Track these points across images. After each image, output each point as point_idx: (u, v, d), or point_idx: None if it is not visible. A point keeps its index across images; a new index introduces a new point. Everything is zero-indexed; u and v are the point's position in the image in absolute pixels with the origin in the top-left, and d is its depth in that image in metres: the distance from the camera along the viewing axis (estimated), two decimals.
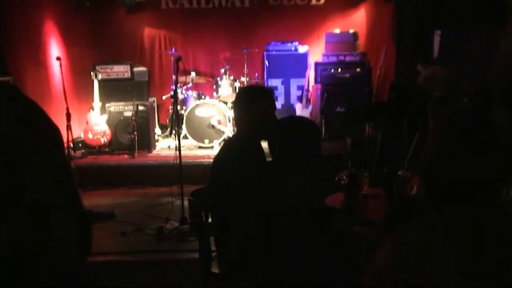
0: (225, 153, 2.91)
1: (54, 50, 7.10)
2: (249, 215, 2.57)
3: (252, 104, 2.83)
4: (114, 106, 7.11)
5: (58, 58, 5.98)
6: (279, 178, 2.56)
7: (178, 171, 4.97)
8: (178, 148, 5.03)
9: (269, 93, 3.02)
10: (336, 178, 3.08)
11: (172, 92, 6.23)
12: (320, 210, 2.66)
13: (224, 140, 7.26)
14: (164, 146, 7.59)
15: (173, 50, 7.71)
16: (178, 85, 7.68)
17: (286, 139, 2.54)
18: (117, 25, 8.41)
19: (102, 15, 8.18)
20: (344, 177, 2.98)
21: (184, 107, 7.56)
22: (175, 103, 5.24)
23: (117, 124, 7.03)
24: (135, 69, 7.88)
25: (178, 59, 5.29)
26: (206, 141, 7.26)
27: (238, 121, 2.96)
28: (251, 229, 2.57)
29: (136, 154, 6.86)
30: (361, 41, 8.24)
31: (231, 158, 2.82)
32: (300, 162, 2.56)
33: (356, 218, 2.82)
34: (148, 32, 8.63)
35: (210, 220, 2.98)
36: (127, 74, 7.72)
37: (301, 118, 3.11)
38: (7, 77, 5.46)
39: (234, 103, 3.08)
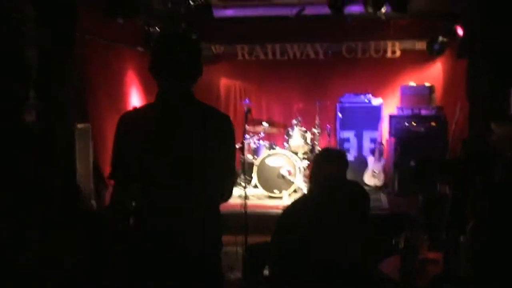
0: (288, 207, 2.96)
1: (134, 99, 7.46)
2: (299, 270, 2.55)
3: (317, 166, 2.91)
4: None
5: (133, 108, 6.25)
6: (331, 240, 2.54)
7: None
8: (245, 198, 5.16)
9: (335, 157, 3.01)
10: (393, 241, 2.99)
11: (240, 143, 6.37)
12: (372, 277, 2.58)
13: (294, 190, 7.26)
14: (234, 195, 7.64)
15: (247, 100, 7.87)
16: (251, 134, 7.85)
17: (337, 204, 2.53)
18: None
19: None
20: (402, 240, 2.88)
21: (255, 156, 7.65)
22: (243, 153, 5.36)
23: None
24: None
25: (247, 111, 5.44)
26: (276, 191, 7.28)
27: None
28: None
29: None
30: (438, 94, 8.08)
31: (289, 213, 2.86)
32: (352, 225, 2.54)
33: (412, 286, 2.71)
34: (224, 82, 8.93)
35: (267, 272, 2.98)
36: None
37: (353, 184, 3.05)
38: (87, 123, 5.75)
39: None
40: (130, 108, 7.11)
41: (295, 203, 3.00)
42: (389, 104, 8.20)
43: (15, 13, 4.16)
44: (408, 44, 8.32)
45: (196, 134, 2.30)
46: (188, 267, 2.25)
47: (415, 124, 7.57)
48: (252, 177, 7.45)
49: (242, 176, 7.40)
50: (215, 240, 2.40)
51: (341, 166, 2.86)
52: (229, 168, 2.39)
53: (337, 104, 8.19)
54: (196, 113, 2.37)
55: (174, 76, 2.33)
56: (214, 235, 2.40)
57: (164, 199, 2.27)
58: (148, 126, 2.30)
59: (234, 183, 2.49)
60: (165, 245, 2.23)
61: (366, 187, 7.29)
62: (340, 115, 8.15)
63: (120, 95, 7.22)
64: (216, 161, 2.30)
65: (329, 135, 7.99)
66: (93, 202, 5.61)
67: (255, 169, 7.37)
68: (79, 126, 5.46)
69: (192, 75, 2.38)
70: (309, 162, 7.62)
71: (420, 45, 8.16)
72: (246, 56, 8.77)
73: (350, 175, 2.99)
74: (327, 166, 2.83)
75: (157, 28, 7.39)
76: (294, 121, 7.72)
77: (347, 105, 8.15)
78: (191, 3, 6.37)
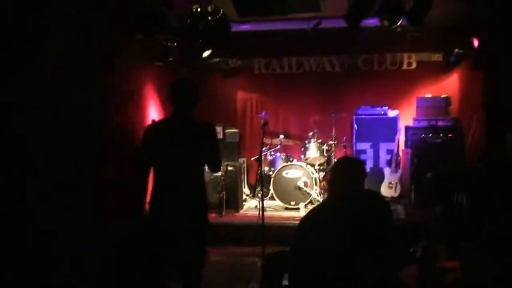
0: (307, 214, 3.01)
1: (152, 112, 7.57)
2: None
3: (336, 174, 2.96)
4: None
5: (153, 121, 6.36)
6: (350, 250, 2.58)
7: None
8: (261, 209, 5.22)
9: (353, 165, 3.06)
10: (411, 249, 3.02)
11: (257, 155, 6.44)
12: (391, 285, 2.62)
13: (310, 202, 7.31)
14: (251, 206, 7.75)
15: (264, 113, 7.96)
16: (267, 147, 7.93)
17: (355, 211, 2.57)
18: (213, 89, 8.87)
19: (199, 80, 8.63)
20: (419, 248, 2.92)
21: (272, 168, 7.72)
22: (260, 165, 5.44)
23: (207, 183, 7.24)
24: (227, 130, 8.19)
25: (264, 124, 5.52)
26: (293, 202, 7.33)
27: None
28: None
29: (223, 213, 7.06)
30: (454, 106, 8.09)
31: (308, 220, 2.91)
32: (371, 233, 2.58)
33: None
34: (241, 95, 9.05)
35: (286, 283, 3.02)
36: (220, 135, 8.00)
37: (373, 193, 3.10)
38: None
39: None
40: (148, 120, 7.23)
41: (314, 210, 3.06)
42: (405, 116, 8.23)
43: (43, 36, 4.30)
44: (424, 56, 8.36)
45: (192, 137, 3.84)
46: (186, 211, 3.74)
47: (431, 136, 7.58)
48: (269, 189, 7.52)
49: (259, 188, 7.49)
50: (203, 195, 4.01)
51: (359, 174, 2.91)
52: (216, 152, 3.95)
53: (354, 116, 8.24)
54: (192, 125, 3.88)
55: (181, 107, 3.87)
56: (203, 192, 4.00)
57: (171, 176, 3.81)
58: (163, 132, 3.89)
59: (220, 160, 4.10)
60: (173, 200, 3.76)
61: None
62: (356, 127, 8.19)
63: (139, 109, 7.33)
64: (206, 151, 3.87)
65: (345, 147, 8.03)
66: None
67: (272, 181, 7.44)
68: None
69: (191, 105, 3.89)
70: (325, 174, 7.68)
71: (436, 57, 8.19)
72: (263, 70, 8.88)
73: (366, 186, 3.03)
74: (345, 174, 2.88)
75: (175, 43, 7.51)
76: (311, 133, 7.78)
77: (363, 117, 8.20)
78: (209, 18, 6.47)
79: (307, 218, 2.94)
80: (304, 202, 7.27)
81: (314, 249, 2.70)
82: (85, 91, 5.02)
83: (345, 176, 2.87)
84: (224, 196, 7.14)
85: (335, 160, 7.78)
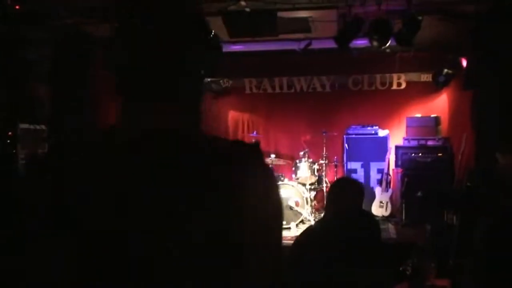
0: (303, 234, 3.01)
1: None
2: None
3: (335, 194, 2.98)
4: None
5: None
6: (345, 267, 2.60)
7: None
8: None
9: (353, 187, 3.07)
10: (402, 268, 3.04)
11: None
12: None
13: (301, 221, 7.31)
14: None
15: (255, 133, 8.00)
16: None
17: (352, 232, 2.59)
18: (204, 109, 8.90)
19: None
20: (409, 267, 2.94)
21: None
22: None
23: None
24: None
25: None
26: (284, 222, 7.31)
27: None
28: None
29: None
30: (444, 126, 8.17)
31: (303, 240, 2.93)
32: (365, 253, 2.60)
33: None
34: (232, 115, 9.10)
35: None
36: None
37: (366, 213, 3.12)
38: None
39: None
40: None
41: (310, 230, 3.07)
42: (395, 135, 8.30)
43: (28, 53, 4.31)
44: (414, 76, 8.46)
45: None
46: None
47: (421, 155, 7.64)
48: None
49: None
50: None
51: (358, 196, 2.93)
52: None
53: (344, 136, 8.29)
54: None
55: None
56: None
57: None
58: None
59: None
60: None
61: None
62: (347, 146, 8.24)
63: None
64: None
65: (336, 166, 8.06)
66: None
67: None
68: None
69: None
70: (316, 193, 7.69)
71: (426, 77, 8.29)
72: (254, 90, 8.94)
73: None
74: (345, 196, 2.89)
75: None
76: (302, 153, 7.81)
77: (353, 136, 8.25)
78: None
79: (304, 238, 2.95)
80: (295, 221, 7.26)
81: (311, 269, 2.71)
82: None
83: (343, 197, 2.89)
84: None
85: (326, 180, 7.82)
